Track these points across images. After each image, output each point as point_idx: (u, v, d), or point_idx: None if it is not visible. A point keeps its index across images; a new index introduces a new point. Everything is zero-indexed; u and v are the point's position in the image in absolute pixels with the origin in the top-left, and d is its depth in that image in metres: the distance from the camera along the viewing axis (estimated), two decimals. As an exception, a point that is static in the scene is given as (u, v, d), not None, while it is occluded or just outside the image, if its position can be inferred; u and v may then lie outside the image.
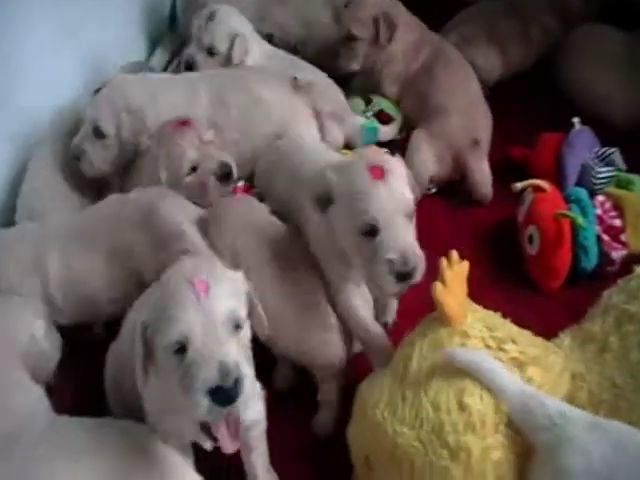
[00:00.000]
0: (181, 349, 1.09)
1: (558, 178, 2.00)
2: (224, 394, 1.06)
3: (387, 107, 2.26)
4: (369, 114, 2.23)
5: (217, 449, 1.31)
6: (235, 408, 1.09)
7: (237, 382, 1.07)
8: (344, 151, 2.02)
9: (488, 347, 1.30)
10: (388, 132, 2.21)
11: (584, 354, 1.42)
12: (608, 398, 1.33)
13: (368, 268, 1.37)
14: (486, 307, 1.41)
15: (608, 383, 1.35)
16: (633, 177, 1.96)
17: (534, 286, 1.84)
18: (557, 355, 1.40)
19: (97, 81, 2.13)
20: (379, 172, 1.35)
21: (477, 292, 1.40)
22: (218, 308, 1.10)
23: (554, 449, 1.13)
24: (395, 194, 1.35)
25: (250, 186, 1.93)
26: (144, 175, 1.84)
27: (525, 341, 1.35)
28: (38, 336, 1.59)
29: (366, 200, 1.34)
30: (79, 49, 2.24)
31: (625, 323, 1.40)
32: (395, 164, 1.41)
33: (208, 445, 1.30)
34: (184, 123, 1.80)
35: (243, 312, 1.16)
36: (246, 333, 1.17)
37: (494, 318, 1.39)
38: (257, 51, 2.23)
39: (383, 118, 2.24)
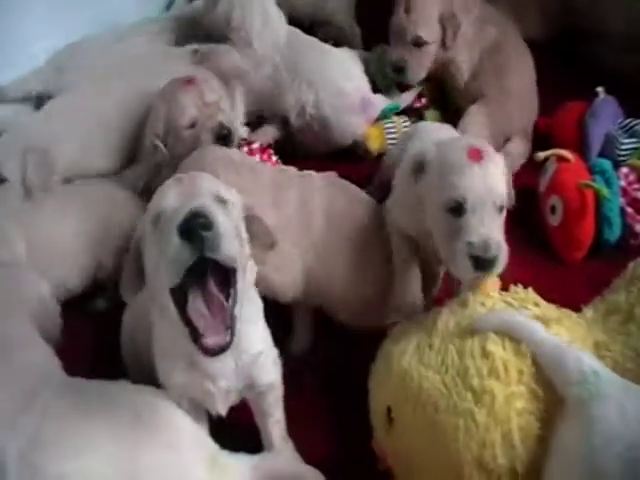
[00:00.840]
0: (160, 220, 1.10)
1: (581, 148, 1.96)
2: (193, 226, 1.02)
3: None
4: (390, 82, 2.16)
5: (231, 416, 1.31)
6: (209, 252, 1.03)
7: (210, 223, 1.03)
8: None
9: (511, 305, 1.31)
10: (407, 99, 2.17)
11: (608, 325, 1.39)
12: (632, 367, 1.30)
13: (447, 248, 1.33)
14: (506, 278, 1.39)
15: (633, 353, 1.32)
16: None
17: (556, 257, 1.80)
18: (580, 320, 1.38)
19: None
20: (477, 154, 1.32)
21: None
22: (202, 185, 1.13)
23: (586, 403, 1.11)
24: (489, 180, 1.31)
25: (267, 147, 1.95)
26: (147, 131, 1.83)
27: (546, 305, 1.34)
28: (45, 295, 1.60)
29: (458, 176, 1.31)
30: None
31: (651, 294, 1.37)
32: (496, 155, 1.37)
33: (222, 411, 1.30)
34: (189, 81, 1.79)
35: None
36: (238, 221, 1.16)
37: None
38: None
39: (404, 87, 2.18)
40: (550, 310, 1.32)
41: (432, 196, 1.36)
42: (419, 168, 1.39)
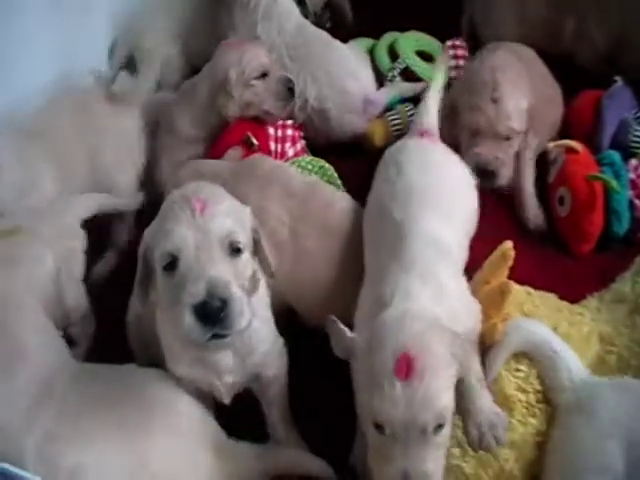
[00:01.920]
0: (173, 264, 1.06)
1: (596, 131, 1.94)
2: (209, 311, 1.02)
3: (414, 64, 2.18)
4: (396, 72, 2.16)
5: (238, 404, 1.32)
6: (223, 330, 1.04)
7: (225, 302, 1.02)
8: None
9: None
10: (413, 89, 2.13)
11: (613, 314, 1.40)
12: (636, 364, 1.32)
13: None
14: (514, 269, 1.36)
15: (638, 347, 1.33)
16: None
17: (564, 249, 1.79)
18: (584, 317, 1.39)
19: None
20: (405, 369, 1.05)
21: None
22: (214, 226, 1.07)
23: (571, 409, 1.18)
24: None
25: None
26: (195, 87, 1.92)
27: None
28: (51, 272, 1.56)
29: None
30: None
31: (658, 285, 1.37)
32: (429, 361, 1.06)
33: (227, 400, 1.31)
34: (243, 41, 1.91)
35: (243, 239, 1.11)
36: (246, 264, 1.12)
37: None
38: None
39: (410, 76, 2.17)
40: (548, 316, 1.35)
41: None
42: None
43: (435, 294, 1.22)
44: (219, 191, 1.17)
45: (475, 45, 2.19)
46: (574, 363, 1.24)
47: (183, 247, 1.05)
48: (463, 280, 1.36)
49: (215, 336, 1.04)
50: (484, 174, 1.72)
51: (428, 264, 1.28)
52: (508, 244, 1.34)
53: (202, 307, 1.01)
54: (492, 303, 1.28)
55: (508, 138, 1.76)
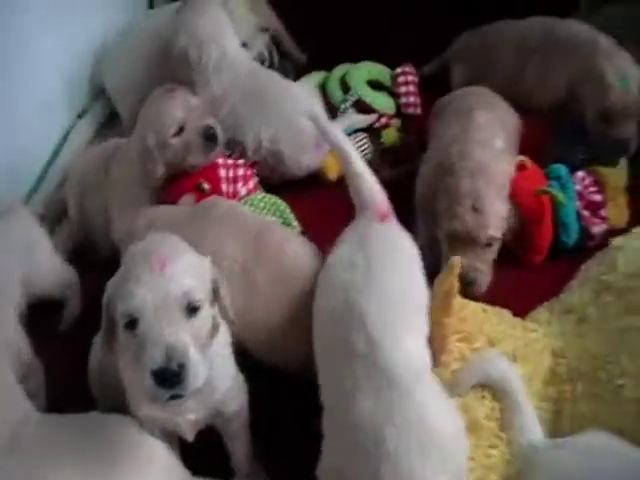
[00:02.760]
0: (134, 323, 1.10)
1: (545, 146, 2.00)
2: (168, 376, 1.06)
3: (366, 95, 2.24)
4: (348, 104, 2.21)
5: (202, 441, 1.34)
6: (180, 391, 1.08)
7: (183, 367, 1.07)
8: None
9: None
10: (366, 120, 2.19)
11: (563, 326, 1.44)
12: (587, 371, 1.35)
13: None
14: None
15: (587, 355, 1.37)
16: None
17: (517, 260, 1.83)
18: (537, 334, 1.43)
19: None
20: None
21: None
22: (173, 287, 1.10)
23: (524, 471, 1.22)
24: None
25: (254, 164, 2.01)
26: (131, 144, 1.90)
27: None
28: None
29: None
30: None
31: (603, 293, 1.43)
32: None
33: (190, 438, 1.33)
34: (171, 89, 1.87)
35: (201, 296, 1.14)
36: (204, 320, 1.16)
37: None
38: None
39: (362, 107, 2.22)
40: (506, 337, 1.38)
41: None
42: None
43: None
44: (179, 246, 1.20)
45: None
46: (532, 422, 1.27)
47: (143, 309, 1.09)
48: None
49: (173, 396, 1.09)
50: (462, 282, 1.59)
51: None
52: (456, 259, 1.39)
53: (160, 372, 1.07)
54: (441, 307, 1.33)
55: (489, 244, 1.69)
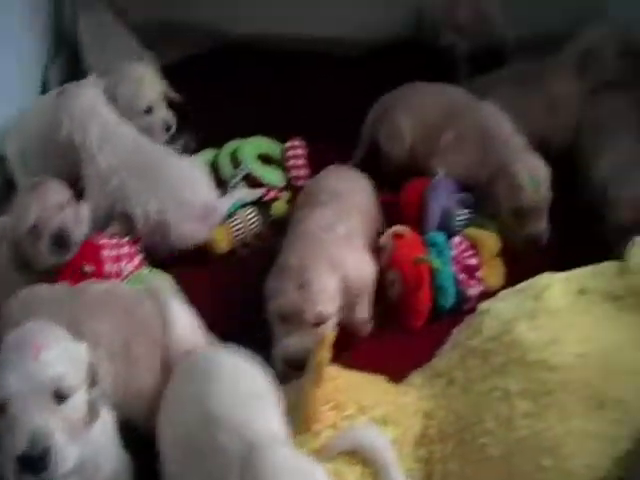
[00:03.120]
0: (3, 408, 1.10)
1: (422, 220, 2.10)
2: (31, 462, 1.07)
3: (255, 169, 2.31)
4: (238, 178, 2.27)
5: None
6: (46, 477, 1.09)
7: (46, 452, 1.07)
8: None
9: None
10: (254, 194, 2.23)
11: (433, 389, 1.49)
12: (454, 432, 1.40)
13: None
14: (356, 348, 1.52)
15: (454, 417, 1.42)
16: (486, 219, 2.11)
17: (399, 324, 1.90)
18: (410, 397, 1.48)
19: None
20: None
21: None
22: (45, 375, 1.12)
23: None
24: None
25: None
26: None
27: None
28: None
29: None
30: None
31: (469, 357, 1.48)
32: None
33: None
34: (39, 183, 1.84)
35: (73, 382, 1.16)
36: (76, 407, 1.17)
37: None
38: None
39: (253, 181, 2.28)
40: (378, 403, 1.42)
41: None
42: None
43: None
44: (54, 333, 1.22)
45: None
46: None
47: (12, 396, 1.10)
48: None
49: None
50: (291, 366, 1.59)
51: None
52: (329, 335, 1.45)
53: (24, 458, 1.08)
54: (313, 379, 1.37)
55: (318, 324, 1.62)
